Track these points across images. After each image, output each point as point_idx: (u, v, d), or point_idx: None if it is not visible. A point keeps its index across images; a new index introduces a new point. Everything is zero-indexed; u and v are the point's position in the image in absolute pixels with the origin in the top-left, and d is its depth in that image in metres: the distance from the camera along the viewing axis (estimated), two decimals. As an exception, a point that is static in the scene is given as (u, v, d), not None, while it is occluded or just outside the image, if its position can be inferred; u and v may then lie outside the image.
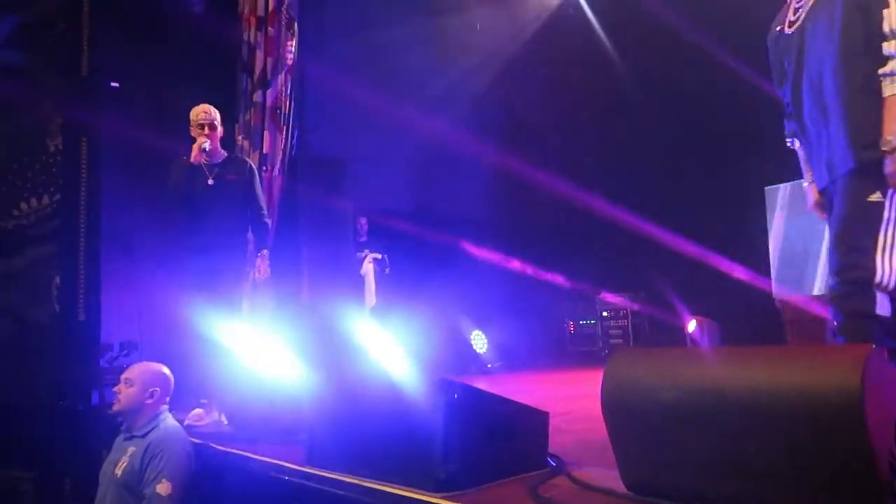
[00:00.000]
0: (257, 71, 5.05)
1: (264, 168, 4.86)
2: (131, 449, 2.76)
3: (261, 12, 5.10)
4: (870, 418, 1.32)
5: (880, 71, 1.92)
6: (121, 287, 4.49)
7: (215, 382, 3.51)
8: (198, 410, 3.54)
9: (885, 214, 1.92)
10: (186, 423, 3.32)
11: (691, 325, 5.95)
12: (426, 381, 2.06)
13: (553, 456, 2.19)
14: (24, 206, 4.47)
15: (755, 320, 5.78)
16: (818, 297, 5.41)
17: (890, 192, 1.93)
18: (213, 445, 2.92)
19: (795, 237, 5.85)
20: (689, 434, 1.59)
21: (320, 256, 5.34)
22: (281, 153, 4.99)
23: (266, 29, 5.06)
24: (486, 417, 2.02)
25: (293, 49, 5.10)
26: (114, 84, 4.80)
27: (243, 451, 2.74)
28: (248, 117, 5.05)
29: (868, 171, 1.94)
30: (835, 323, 2.01)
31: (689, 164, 6.19)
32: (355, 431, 2.28)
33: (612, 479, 1.80)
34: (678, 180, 6.27)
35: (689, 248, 5.72)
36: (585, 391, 4.22)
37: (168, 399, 2.94)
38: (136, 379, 2.84)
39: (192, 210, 3.63)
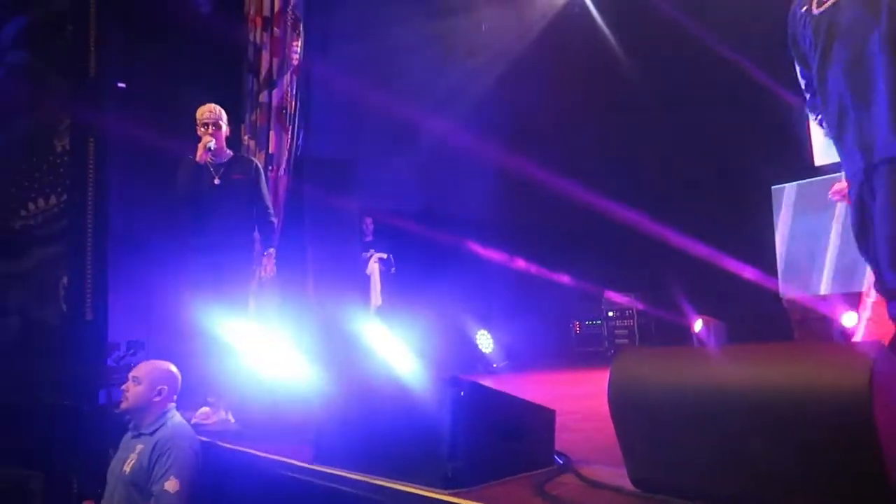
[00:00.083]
0: (263, 71, 5.07)
1: (270, 168, 4.88)
2: (139, 447, 2.77)
3: (267, 13, 5.11)
4: (879, 417, 1.30)
5: None
6: (128, 286, 4.51)
7: (222, 381, 3.53)
8: (204, 409, 3.55)
9: None
10: (193, 421, 3.33)
11: (698, 325, 5.94)
12: (433, 379, 2.07)
13: (560, 453, 2.19)
14: (31, 206, 4.49)
15: (762, 320, 5.76)
16: (825, 297, 5.39)
17: None
18: (221, 444, 2.93)
19: (802, 237, 5.84)
20: (696, 432, 1.59)
21: (326, 256, 5.35)
22: (286, 153, 5.01)
23: (272, 29, 5.08)
24: (493, 415, 2.02)
25: (299, 49, 5.12)
26: (121, 85, 4.83)
27: (250, 448, 2.75)
28: (253, 117, 5.06)
29: None
30: None
31: (695, 164, 6.18)
32: (362, 429, 2.28)
33: (619, 476, 1.79)
34: (684, 180, 6.26)
35: (696, 248, 5.70)
36: (591, 391, 4.21)
37: (175, 397, 2.95)
38: (144, 377, 2.86)
39: (199, 209, 3.63)
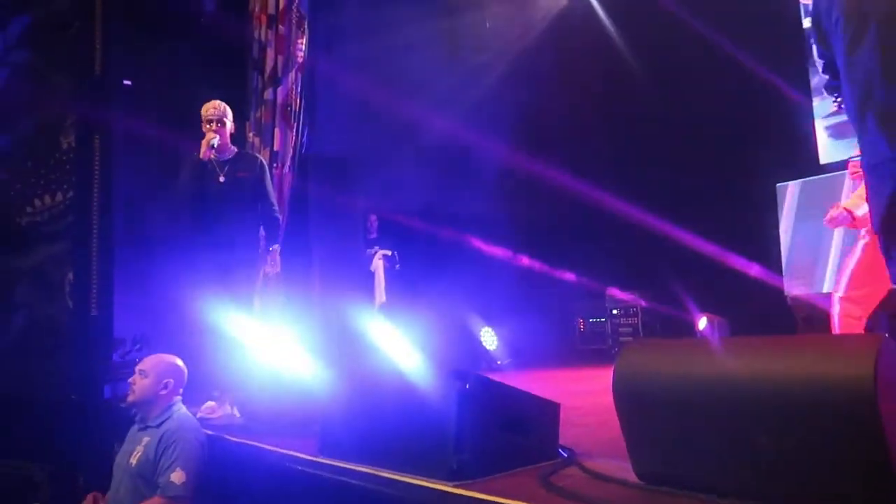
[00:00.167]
0: (268, 69, 5.08)
1: (275, 165, 4.89)
2: (146, 439, 2.79)
3: (272, 10, 5.13)
4: (883, 408, 1.31)
5: None
6: (133, 283, 4.53)
7: (227, 376, 3.54)
8: (210, 403, 3.56)
9: None
10: (199, 416, 3.35)
11: (702, 323, 5.93)
12: (438, 372, 2.07)
13: (564, 447, 2.19)
14: (37, 202, 4.51)
15: (766, 317, 5.75)
16: (829, 295, 5.37)
17: None
18: (227, 437, 2.95)
19: (807, 234, 5.82)
20: (700, 424, 1.59)
21: (330, 253, 5.37)
22: (291, 150, 5.02)
23: (277, 27, 5.09)
24: (498, 408, 2.03)
25: (304, 47, 5.14)
26: (126, 82, 4.85)
27: (256, 442, 2.76)
28: (258, 115, 5.08)
29: None
30: None
31: (699, 161, 6.16)
32: (367, 422, 2.29)
33: (623, 469, 1.80)
34: (688, 177, 6.24)
35: (700, 245, 5.70)
36: (596, 387, 4.22)
37: (181, 390, 2.97)
38: (151, 370, 2.88)
39: (204, 206, 3.64)
